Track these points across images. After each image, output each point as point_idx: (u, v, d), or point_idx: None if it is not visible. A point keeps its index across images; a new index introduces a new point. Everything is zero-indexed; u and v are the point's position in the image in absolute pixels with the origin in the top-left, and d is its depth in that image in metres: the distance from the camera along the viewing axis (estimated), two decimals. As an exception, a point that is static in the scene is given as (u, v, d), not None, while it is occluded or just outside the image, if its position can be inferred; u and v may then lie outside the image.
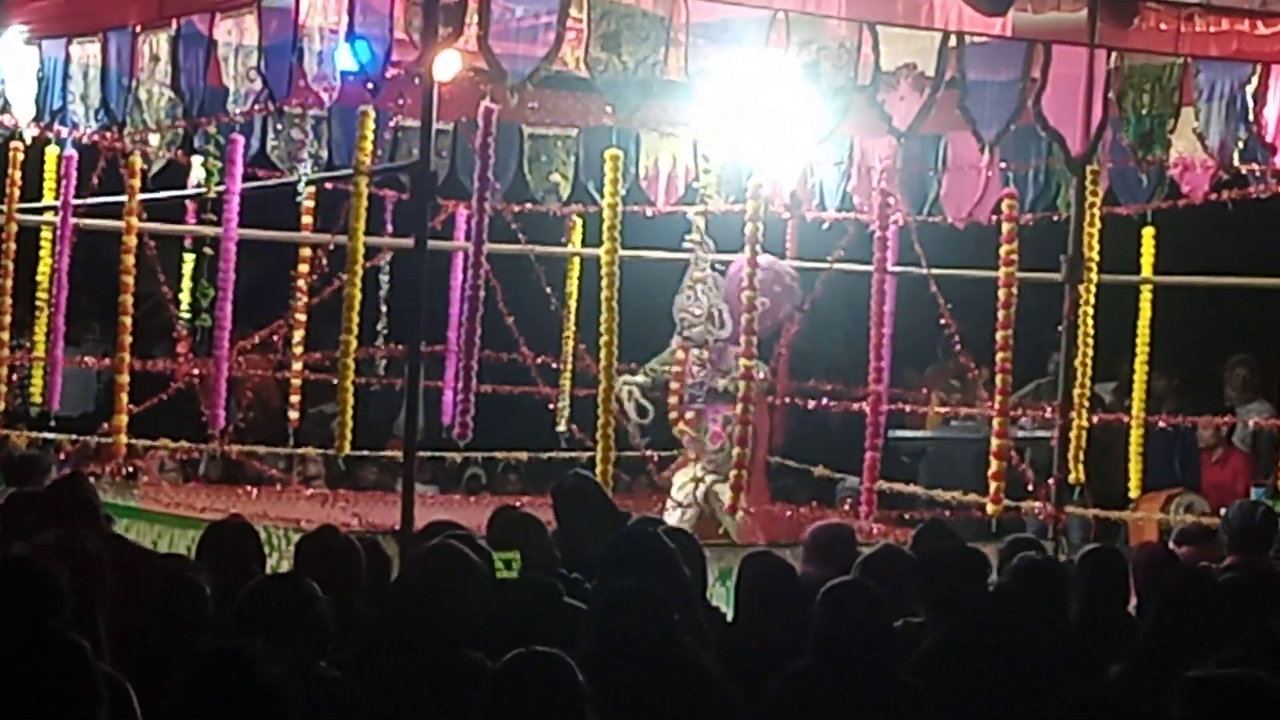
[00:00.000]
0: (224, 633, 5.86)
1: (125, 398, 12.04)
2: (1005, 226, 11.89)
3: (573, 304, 13.90)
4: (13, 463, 11.17)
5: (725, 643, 7.00)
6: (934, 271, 12.72)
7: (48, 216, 12.89)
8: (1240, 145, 11.04)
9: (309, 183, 12.35)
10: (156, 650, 6.32)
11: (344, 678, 5.76)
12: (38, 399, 12.97)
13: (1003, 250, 11.82)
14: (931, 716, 6.22)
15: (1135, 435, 13.22)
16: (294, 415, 13.53)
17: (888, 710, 6.18)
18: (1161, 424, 13.42)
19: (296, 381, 13.49)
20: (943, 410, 14.05)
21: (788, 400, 13.68)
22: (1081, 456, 12.20)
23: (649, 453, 12.95)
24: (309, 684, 5.44)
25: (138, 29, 11.31)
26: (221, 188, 11.82)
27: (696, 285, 12.84)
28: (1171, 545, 9.51)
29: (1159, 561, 7.97)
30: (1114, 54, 10.75)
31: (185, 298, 13.07)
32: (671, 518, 12.04)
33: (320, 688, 5.59)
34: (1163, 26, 10.69)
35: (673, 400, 12.90)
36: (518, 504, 10.28)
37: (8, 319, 12.92)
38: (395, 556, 8.55)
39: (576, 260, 13.97)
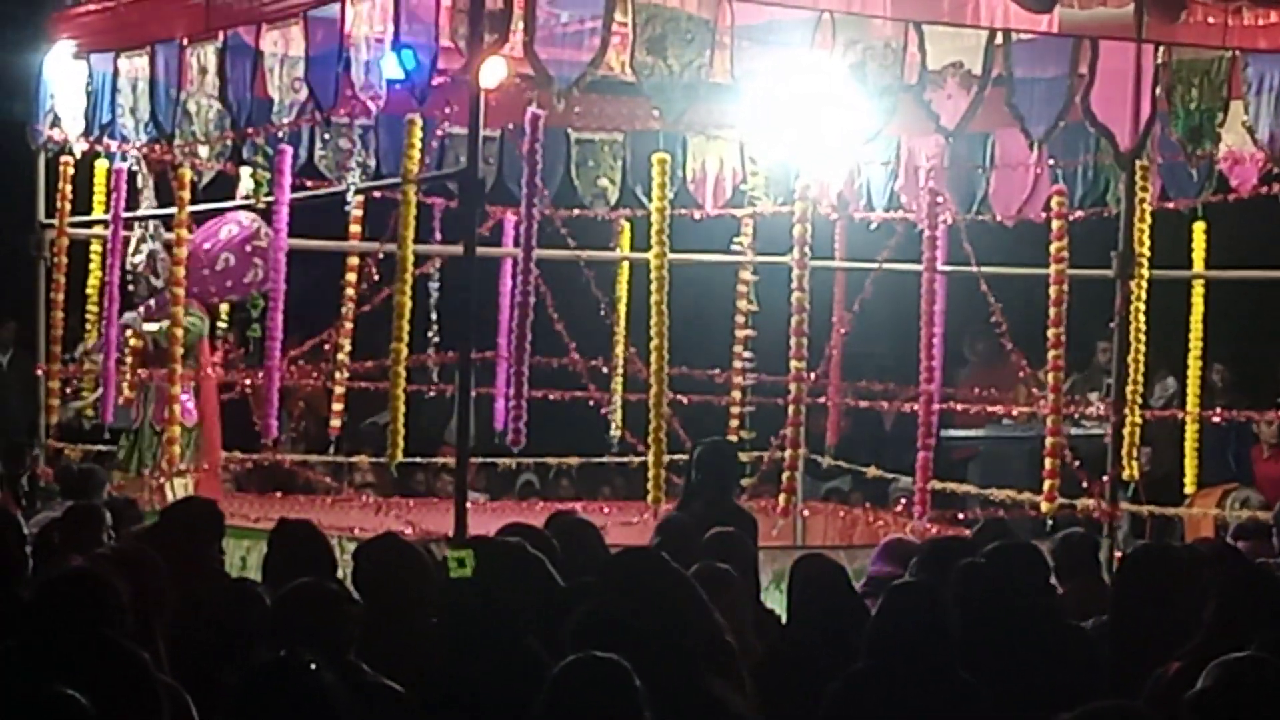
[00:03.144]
0: (277, 641, 5.89)
1: (177, 409, 12.07)
2: (1055, 223, 11.83)
3: (622, 308, 13.89)
4: (69, 476, 11.23)
5: (779, 645, 6.99)
6: (983, 270, 12.68)
7: (98, 230, 12.95)
8: (1291, 137, 10.99)
9: (357, 192, 12.37)
10: (214, 660, 6.34)
11: (384, 682, 5.78)
12: (89, 412, 13.01)
13: (1053, 247, 11.76)
14: (990, 715, 6.19)
15: (1190, 430, 13.17)
16: (336, 424, 13.56)
17: (946, 709, 6.15)
18: (1216, 419, 13.37)
19: (340, 390, 13.50)
20: (1026, 408, 13.83)
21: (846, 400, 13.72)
22: (1135, 453, 12.15)
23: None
24: (355, 689, 5.47)
25: (185, 41, 11.36)
26: (270, 198, 11.85)
27: (134, 237, 12.59)
28: (1230, 540, 9.46)
29: (1219, 557, 7.91)
30: (1161, 48, 10.70)
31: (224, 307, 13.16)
32: None
33: (364, 692, 5.61)
34: (1210, 20, 10.64)
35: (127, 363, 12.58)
36: (571, 508, 10.34)
37: (59, 333, 12.98)
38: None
39: (625, 264, 13.95)
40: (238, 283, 12.75)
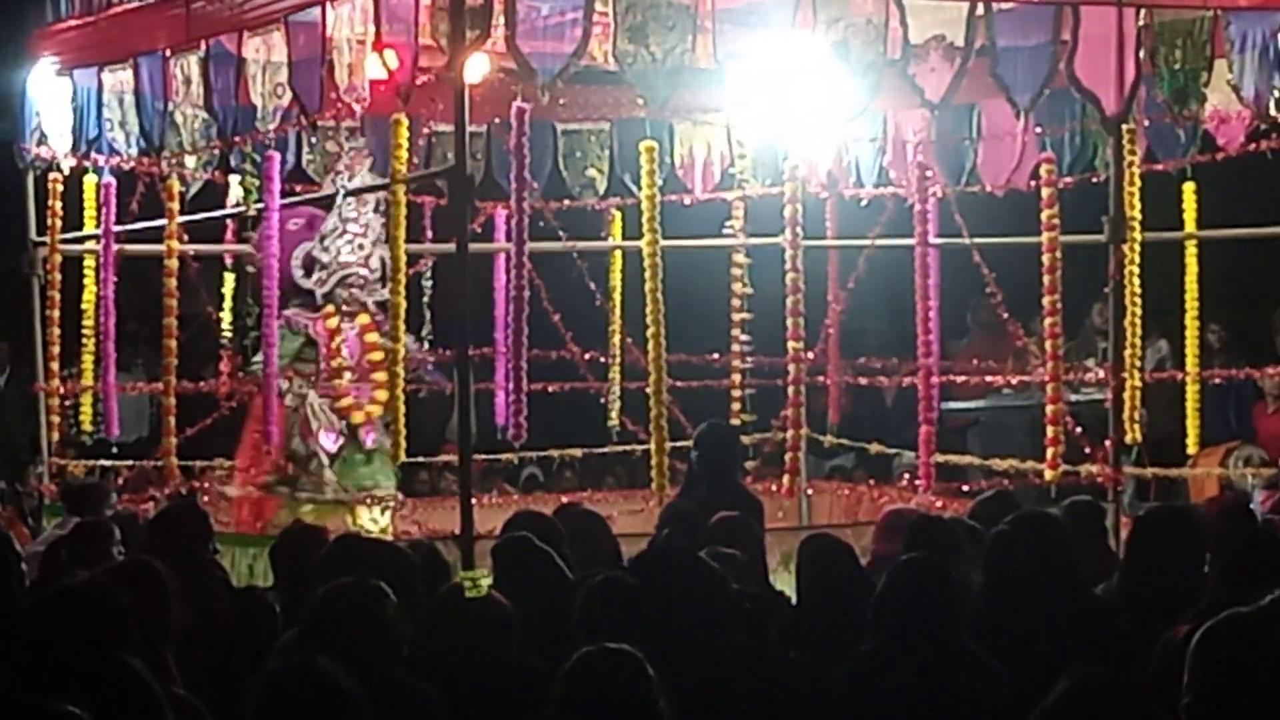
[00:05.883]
0: (294, 645, 5.86)
1: (174, 420, 12.07)
2: (1044, 191, 11.82)
3: (617, 297, 13.88)
4: (72, 492, 11.25)
5: (790, 626, 7.00)
6: (976, 241, 12.67)
7: (90, 245, 12.95)
8: (1275, 94, 10.97)
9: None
10: (227, 669, 6.34)
11: (422, 685, 5.74)
12: (87, 427, 13.01)
13: (1044, 215, 11.75)
14: (1000, 686, 6.19)
15: (1191, 391, 13.17)
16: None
17: (957, 685, 6.14)
18: (1217, 379, 13.38)
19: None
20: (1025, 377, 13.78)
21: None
22: (1136, 416, 12.15)
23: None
24: (384, 693, 5.44)
25: (167, 52, 11.36)
26: (260, 205, 11.85)
27: (347, 227, 12.52)
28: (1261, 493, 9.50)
29: (1224, 516, 7.91)
30: (1143, 11, 10.70)
31: (227, 316, 13.15)
32: None
33: (395, 696, 5.58)
34: (1190, -20, 10.65)
35: (342, 382, 12.43)
36: (577, 500, 10.36)
37: (57, 349, 12.98)
38: (455, 561, 8.59)
39: (618, 253, 13.94)
40: None
